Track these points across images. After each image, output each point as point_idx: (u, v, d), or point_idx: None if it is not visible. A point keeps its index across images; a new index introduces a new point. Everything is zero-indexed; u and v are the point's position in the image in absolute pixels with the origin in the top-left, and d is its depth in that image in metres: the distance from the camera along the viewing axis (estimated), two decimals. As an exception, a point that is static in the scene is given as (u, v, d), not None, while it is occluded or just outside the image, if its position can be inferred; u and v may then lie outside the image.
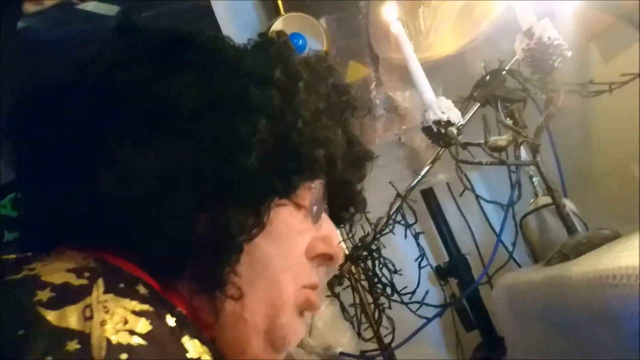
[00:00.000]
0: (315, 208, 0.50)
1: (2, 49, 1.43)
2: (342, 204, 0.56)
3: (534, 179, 1.10)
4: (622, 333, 0.64)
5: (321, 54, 0.54)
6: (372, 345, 1.21)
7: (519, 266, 1.17)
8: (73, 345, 0.30)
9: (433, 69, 1.07)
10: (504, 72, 1.06)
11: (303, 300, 0.49)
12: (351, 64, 1.27)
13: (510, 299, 0.91)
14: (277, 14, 1.24)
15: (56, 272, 0.35)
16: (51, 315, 0.31)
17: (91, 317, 0.32)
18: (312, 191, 0.50)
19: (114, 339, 0.31)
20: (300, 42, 1.14)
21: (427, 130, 0.97)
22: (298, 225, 0.49)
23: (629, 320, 0.63)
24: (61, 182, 0.43)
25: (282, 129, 0.45)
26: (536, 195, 1.09)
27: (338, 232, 0.55)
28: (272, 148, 0.44)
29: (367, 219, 1.14)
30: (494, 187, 1.42)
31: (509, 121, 0.99)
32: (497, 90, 1.06)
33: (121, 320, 0.32)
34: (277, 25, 1.19)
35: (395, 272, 1.15)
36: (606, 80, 0.97)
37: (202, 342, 0.36)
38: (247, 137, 0.43)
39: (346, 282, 1.22)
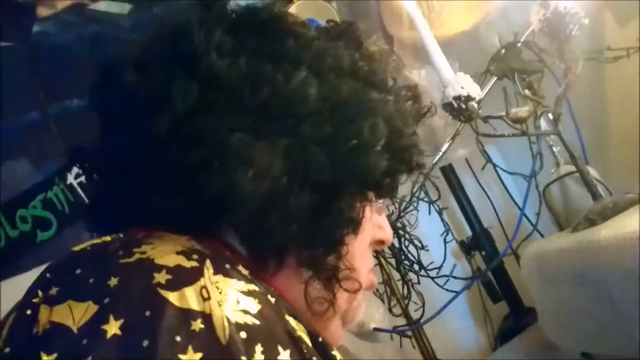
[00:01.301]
0: (381, 202, 0.52)
1: (18, 53, 1.46)
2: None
3: (554, 149, 1.11)
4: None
5: (387, 51, 0.55)
6: (403, 321, 1.23)
7: (542, 236, 1.18)
8: (198, 325, 0.31)
9: (448, 46, 1.07)
10: (519, 44, 1.07)
11: (369, 283, 0.52)
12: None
13: (540, 266, 0.92)
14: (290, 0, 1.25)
15: (167, 255, 0.35)
16: (172, 297, 0.32)
17: (209, 298, 0.33)
18: None
19: (233, 319, 0.32)
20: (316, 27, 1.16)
21: (447, 106, 0.98)
22: (369, 217, 0.51)
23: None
24: (158, 171, 0.41)
25: (392, 134, 0.46)
26: (557, 164, 1.10)
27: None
28: (384, 151, 0.45)
29: (391, 198, 1.16)
30: (512, 160, 1.43)
31: (528, 92, 1.00)
32: (514, 62, 1.06)
33: (234, 301, 0.33)
34: (292, 10, 1.20)
35: (423, 247, 1.17)
36: (621, 45, 0.97)
37: (296, 319, 0.37)
38: (371, 139, 0.44)
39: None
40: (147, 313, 0.31)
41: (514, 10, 1.13)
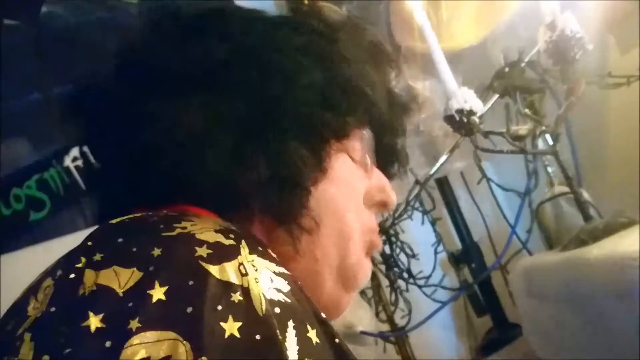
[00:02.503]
0: (367, 158, 0.53)
1: (23, 33, 1.46)
2: (387, 159, 0.58)
3: (548, 169, 1.13)
4: (637, 308, 0.68)
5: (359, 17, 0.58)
6: (388, 326, 1.25)
7: (530, 254, 1.20)
8: (237, 297, 0.33)
9: (454, 59, 1.09)
10: (523, 64, 1.09)
11: (369, 242, 0.52)
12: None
13: (529, 281, 0.94)
14: (301, 2, 1.27)
15: (207, 231, 0.37)
16: (213, 269, 0.34)
17: (246, 274, 0.34)
18: (363, 142, 0.53)
19: (268, 295, 0.34)
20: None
21: (449, 119, 1.00)
22: (355, 172, 0.52)
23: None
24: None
25: (330, 72, 0.48)
26: (551, 184, 1.12)
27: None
28: (323, 90, 0.47)
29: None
30: (506, 177, 1.46)
31: (528, 111, 1.02)
32: (517, 81, 1.08)
33: (269, 279, 0.35)
34: (301, 14, 1.21)
35: (413, 256, 1.19)
36: (622, 71, 1.00)
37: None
38: (298, 77, 0.46)
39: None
40: (191, 282, 0.33)
41: (520, 27, 1.15)
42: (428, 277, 1.26)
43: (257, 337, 0.32)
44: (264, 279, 0.35)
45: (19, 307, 0.38)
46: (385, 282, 1.28)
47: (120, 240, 0.37)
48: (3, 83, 1.35)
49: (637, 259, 0.68)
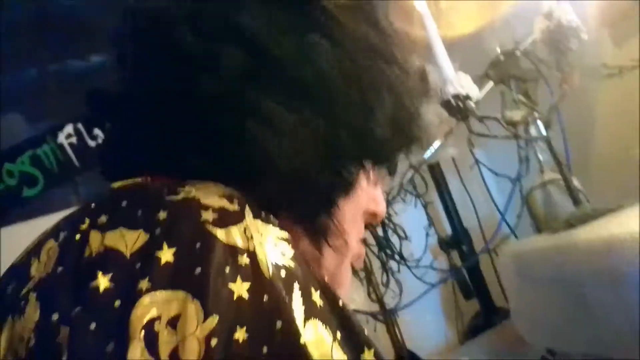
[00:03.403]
0: (375, 175, 0.54)
1: (23, 10, 1.45)
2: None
3: (539, 155, 1.16)
4: (624, 290, 0.70)
5: (402, 36, 0.56)
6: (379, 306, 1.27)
7: (517, 238, 1.23)
8: (244, 260, 0.34)
9: (451, 46, 1.11)
10: (518, 53, 1.11)
11: (357, 253, 0.53)
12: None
13: (518, 264, 0.97)
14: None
15: (211, 196, 0.37)
16: (219, 233, 0.34)
17: (252, 238, 0.35)
18: None
19: (273, 259, 0.34)
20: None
21: (445, 104, 1.02)
22: (365, 187, 0.52)
23: (632, 279, 0.70)
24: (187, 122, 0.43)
25: (398, 108, 0.48)
26: (542, 171, 1.15)
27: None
28: (389, 123, 0.47)
29: (389, 171, 1.20)
30: (498, 164, 1.48)
31: (522, 98, 1.05)
32: (512, 69, 1.11)
33: (273, 243, 0.36)
34: None
35: (405, 237, 1.21)
36: (616, 63, 1.02)
37: None
38: (381, 113, 0.46)
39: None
40: (198, 245, 0.34)
41: (516, 19, 1.17)
42: (419, 260, 1.28)
43: (265, 298, 0.33)
44: (269, 243, 0.35)
45: (18, 269, 0.39)
46: (377, 263, 1.31)
47: (124, 203, 0.38)
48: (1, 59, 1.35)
49: (623, 241, 0.70)
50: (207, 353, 0.30)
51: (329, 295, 0.36)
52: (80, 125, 1.44)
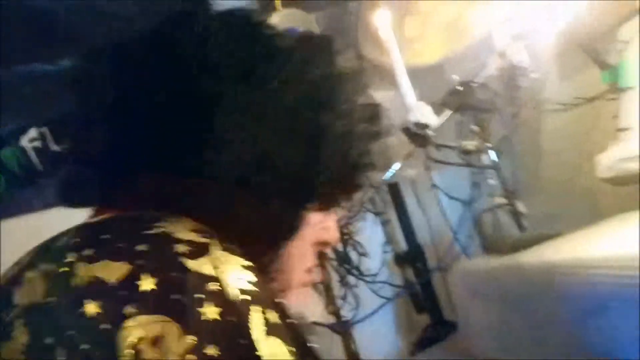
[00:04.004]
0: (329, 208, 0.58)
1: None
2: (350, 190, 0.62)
3: (491, 182, 1.25)
4: (561, 308, 0.78)
5: (359, 69, 0.58)
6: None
7: (468, 257, 1.31)
8: (213, 287, 0.38)
9: (414, 75, 1.18)
10: (475, 85, 1.19)
11: (307, 281, 0.58)
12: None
13: (467, 282, 1.05)
14: (273, 8, 1.33)
15: (183, 230, 0.42)
16: (191, 264, 0.39)
17: (218, 267, 0.40)
18: None
19: (237, 285, 0.39)
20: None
21: (406, 130, 1.09)
22: (314, 222, 0.56)
23: (567, 299, 0.78)
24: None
25: (338, 153, 0.52)
26: (492, 196, 1.24)
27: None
28: (330, 169, 0.52)
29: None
30: (452, 186, 1.57)
31: (477, 129, 1.13)
32: (469, 100, 1.19)
33: (238, 271, 0.41)
34: (274, 19, 1.27)
35: (364, 254, 1.27)
36: (561, 98, 1.12)
37: None
38: (314, 160, 0.50)
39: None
40: (174, 274, 0.38)
41: (476, 52, 1.26)
42: (375, 275, 1.35)
43: (231, 319, 0.38)
44: (234, 272, 0.40)
45: None
46: (335, 277, 1.36)
47: (106, 236, 0.42)
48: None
49: (559, 267, 0.78)
50: None
51: (283, 315, 0.41)
52: (45, 130, 1.45)
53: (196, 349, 0.35)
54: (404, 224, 1.55)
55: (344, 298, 1.35)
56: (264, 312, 0.39)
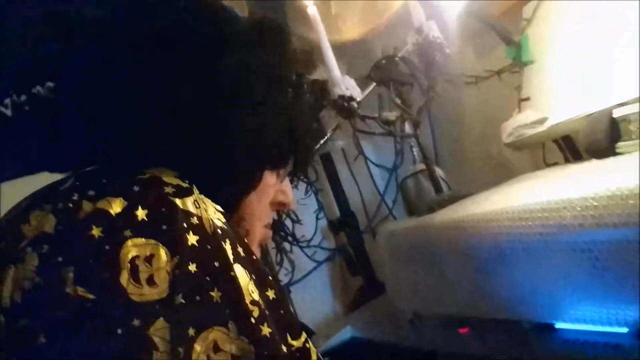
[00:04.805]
0: (284, 172, 0.66)
1: None
2: (302, 160, 0.70)
3: (413, 149, 1.34)
4: (472, 263, 0.88)
5: (310, 48, 0.66)
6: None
7: (395, 219, 1.41)
8: (195, 220, 0.47)
9: (339, 50, 1.25)
10: (397, 58, 1.28)
11: (264, 236, 0.67)
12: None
13: (390, 242, 1.14)
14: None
15: (169, 176, 0.50)
16: (178, 202, 0.47)
17: (199, 207, 0.48)
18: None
19: (214, 221, 0.48)
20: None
21: (333, 103, 1.16)
22: (271, 182, 0.64)
23: (475, 252, 0.88)
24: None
25: (290, 122, 0.60)
26: (414, 162, 1.34)
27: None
28: (282, 134, 0.60)
29: (295, 174, 1.33)
30: (380, 155, 1.67)
31: (398, 100, 1.21)
32: (391, 73, 1.27)
33: (213, 211, 0.50)
34: None
35: (298, 221, 1.35)
36: (475, 74, 1.22)
37: None
38: (270, 131, 0.57)
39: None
40: (163, 209, 0.47)
41: (397, 27, 1.34)
42: (309, 240, 1.43)
43: (208, 246, 0.46)
44: (211, 211, 0.49)
45: (6, 231, 0.48)
46: (271, 244, 1.44)
47: (104, 181, 0.49)
48: None
49: (468, 222, 0.88)
50: (173, 278, 0.44)
51: (248, 251, 0.50)
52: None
53: (180, 266, 0.44)
54: (336, 191, 1.64)
55: (280, 263, 1.42)
56: (232, 245, 0.48)
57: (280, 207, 0.69)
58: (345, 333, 1.29)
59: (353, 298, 1.64)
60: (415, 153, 1.33)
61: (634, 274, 0.66)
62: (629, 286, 0.67)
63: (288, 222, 1.45)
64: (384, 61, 1.29)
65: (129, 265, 0.43)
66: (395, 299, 1.19)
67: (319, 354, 0.51)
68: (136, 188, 0.48)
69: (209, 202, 0.51)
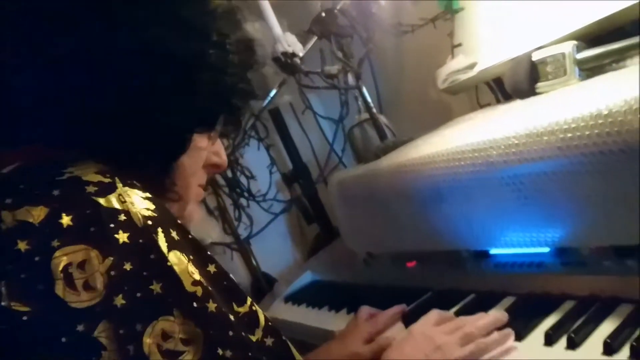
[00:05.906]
0: (215, 133, 0.66)
1: None
2: (233, 117, 0.69)
3: (358, 100, 1.40)
4: (414, 203, 0.96)
5: (232, 6, 0.63)
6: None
7: (345, 167, 1.48)
8: (122, 217, 0.46)
9: (279, 6, 1.27)
10: (336, 11, 1.31)
11: (199, 195, 0.68)
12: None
13: (341, 189, 1.21)
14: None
15: (89, 174, 0.48)
16: (102, 200, 0.46)
17: (125, 202, 0.47)
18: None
19: (142, 213, 0.47)
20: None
21: (276, 60, 1.19)
22: (203, 145, 0.64)
23: (416, 193, 0.95)
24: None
25: (215, 81, 0.58)
26: (360, 112, 1.39)
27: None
28: (207, 95, 0.58)
29: (227, 135, 1.37)
30: (327, 107, 1.72)
31: (339, 53, 1.26)
32: (331, 26, 1.30)
33: (140, 202, 0.48)
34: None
35: (252, 177, 1.40)
36: (410, 21, 1.27)
37: None
38: (198, 89, 0.55)
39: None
40: (88, 211, 0.46)
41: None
42: (265, 195, 1.49)
43: (141, 241, 0.46)
44: (137, 203, 0.48)
45: None
46: (229, 201, 1.49)
47: (22, 187, 0.47)
48: None
49: (409, 165, 0.96)
50: (109, 279, 0.44)
51: (182, 232, 0.51)
52: None
53: (115, 266, 0.44)
54: (287, 145, 1.68)
55: (238, 219, 1.48)
56: (165, 232, 0.48)
57: (214, 169, 0.69)
58: (306, 277, 1.38)
59: (311, 245, 1.72)
60: (359, 103, 1.38)
61: (551, 201, 0.75)
62: (548, 212, 0.76)
63: (243, 179, 1.50)
64: (323, 14, 1.32)
65: (61, 275, 0.43)
66: (348, 242, 1.27)
67: (265, 314, 0.52)
68: (56, 192, 0.47)
69: (133, 191, 0.49)
